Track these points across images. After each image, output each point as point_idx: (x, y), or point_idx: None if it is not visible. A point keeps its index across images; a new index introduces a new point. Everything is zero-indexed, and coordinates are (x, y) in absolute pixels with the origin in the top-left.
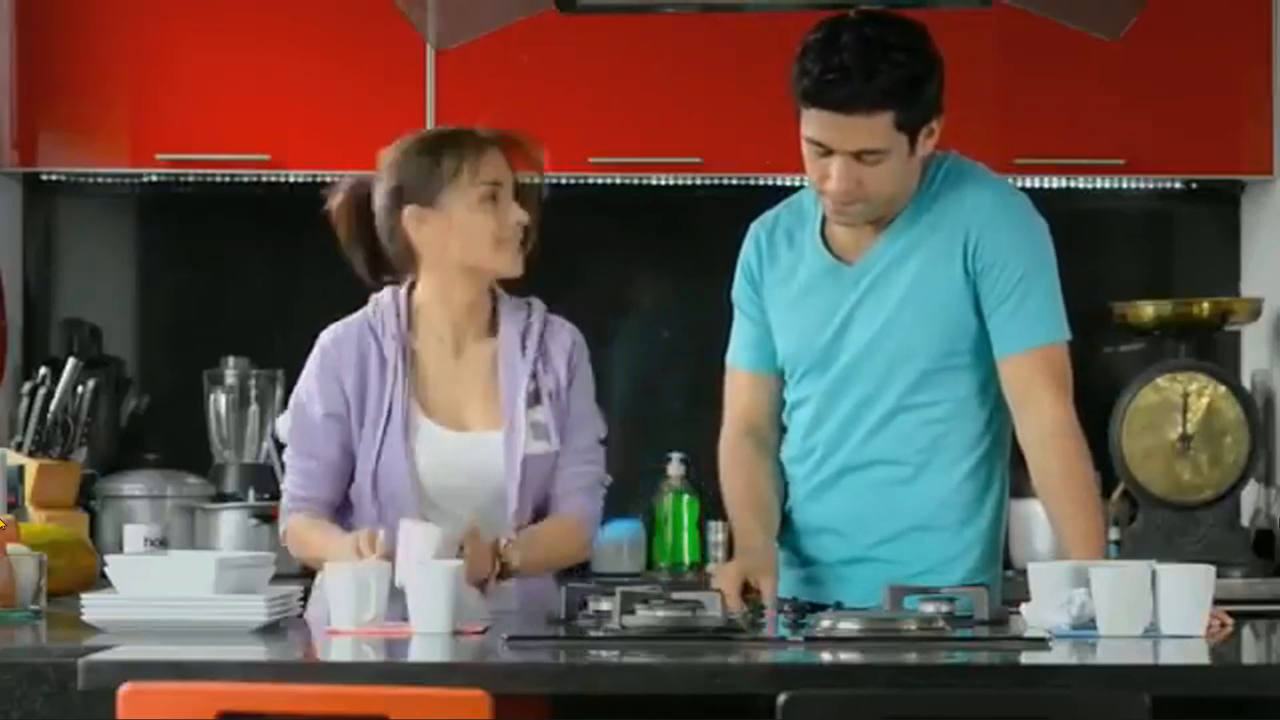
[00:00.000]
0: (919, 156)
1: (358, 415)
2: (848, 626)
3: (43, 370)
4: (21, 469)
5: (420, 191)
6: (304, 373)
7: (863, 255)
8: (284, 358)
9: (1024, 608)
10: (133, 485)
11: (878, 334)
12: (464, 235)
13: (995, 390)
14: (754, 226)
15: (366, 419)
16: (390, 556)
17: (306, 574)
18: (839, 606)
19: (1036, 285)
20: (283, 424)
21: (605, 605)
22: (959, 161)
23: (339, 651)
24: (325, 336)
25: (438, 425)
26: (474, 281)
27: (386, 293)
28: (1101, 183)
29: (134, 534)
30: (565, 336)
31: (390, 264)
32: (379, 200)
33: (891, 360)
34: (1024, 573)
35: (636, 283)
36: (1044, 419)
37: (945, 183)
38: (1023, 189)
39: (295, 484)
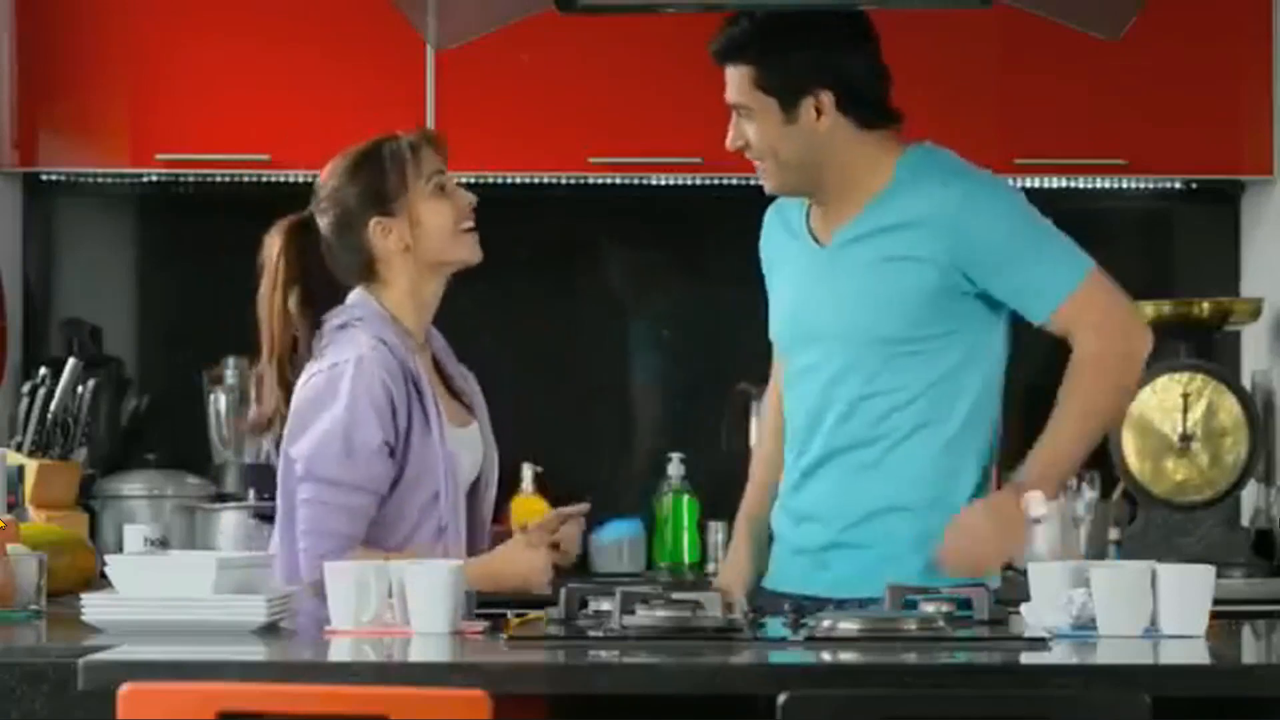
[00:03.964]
0: (808, 128)
1: (404, 438)
2: (848, 626)
3: (43, 370)
4: (21, 469)
5: (378, 202)
6: (341, 401)
7: (830, 238)
8: None
9: (1024, 608)
10: (133, 485)
11: (837, 317)
12: (428, 230)
13: (974, 377)
14: (769, 210)
15: (415, 437)
16: None
17: None
18: (839, 606)
19: (1029, 250)
20: (316, 456)
21: (605, 605)
22: (929, 153)
23: (339, 651)
24: (372, 366)
25: (450, 425)
26: (439, 277)
27: (361, 305)
28: (1101, 183)
29: (134, 534)
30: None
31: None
32: (334, 226)
33: (851, 344)
34: (1024, 573)
35: (636, 283)
36: (1076, 356)
37: (912, 174)
38: (1023, 189)
39: (342, 521)
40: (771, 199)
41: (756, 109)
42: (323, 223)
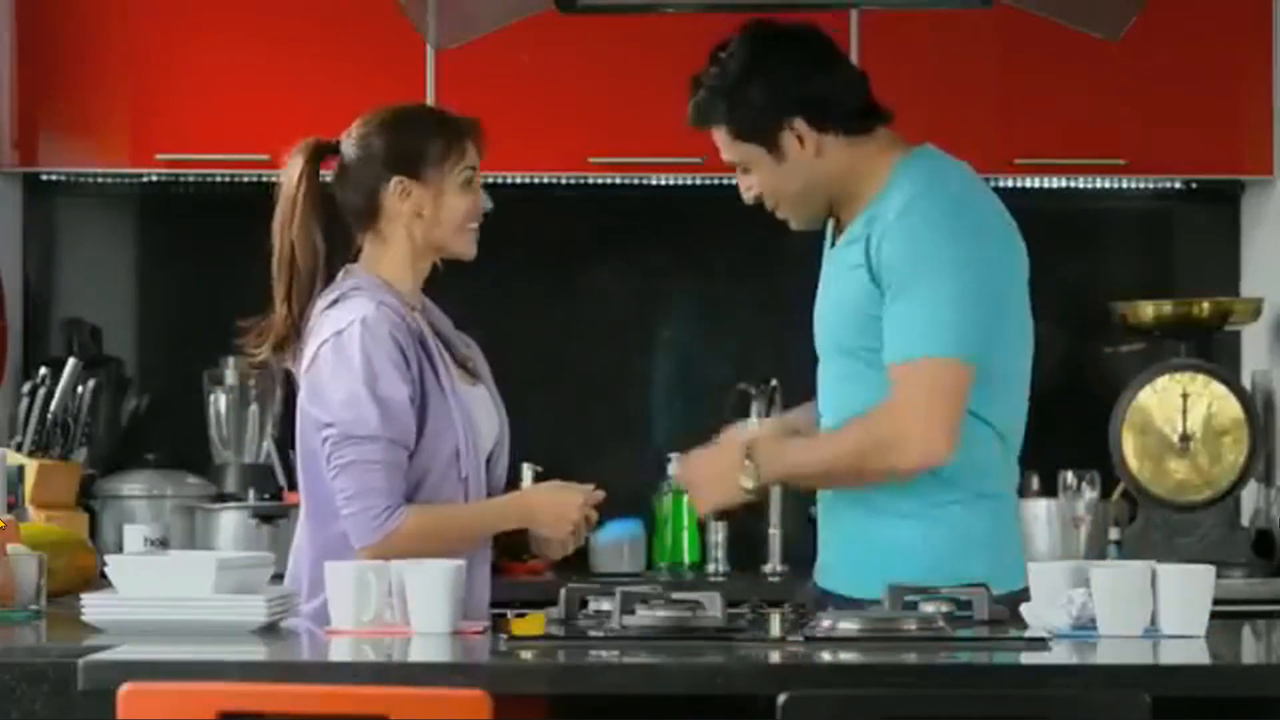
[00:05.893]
0: (798, 159)
1: (420, 392)
2: (848, 626)
3: (43, 370)
4: (21, 469)
5: (411, 163)
6: (356, 362)
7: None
8: None
9: (1024, 608)
10: (133, 485)
11: (820, 323)
12: (442, 214)
13: None
14: None
15: (429, 392)
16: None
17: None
18: (839, 606)
19: (917, 292)
20: (349, 420)
21: (605, 605)
22: (924, 162)
23: (339, 651)
24: (379, 325)
25: (464, 384)
26: (432, 258)
27: (354, 279)
28: (1101, 183)
29: (134, 534)
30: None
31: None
32: (359, 160)
33: (834, 352)
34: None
35: (636, 283)
36: (874, 410)
37: (892, 180)
38: (1023, 189)
39: (392, 479)
40: (763, 206)
41: (748, 160)
42: (347, 155)
